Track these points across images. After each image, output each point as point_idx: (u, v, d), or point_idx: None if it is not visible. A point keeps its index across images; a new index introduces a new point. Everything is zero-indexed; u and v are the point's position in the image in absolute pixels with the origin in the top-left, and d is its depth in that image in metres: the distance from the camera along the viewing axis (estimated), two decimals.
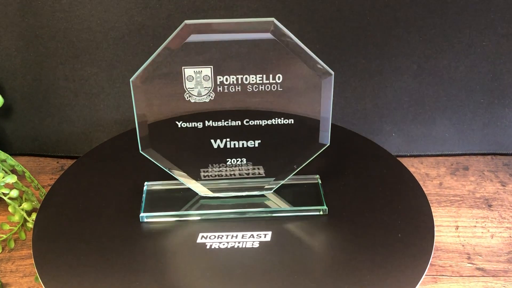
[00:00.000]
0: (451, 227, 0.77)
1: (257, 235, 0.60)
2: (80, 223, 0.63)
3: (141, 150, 0.60)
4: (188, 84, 0.57)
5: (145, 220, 0.62)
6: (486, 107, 0.87)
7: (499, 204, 0.81)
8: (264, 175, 0.63)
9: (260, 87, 0.57)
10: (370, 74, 0.84)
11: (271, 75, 0.56)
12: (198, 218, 0.63)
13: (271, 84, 0.57)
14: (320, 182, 0.67)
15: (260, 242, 0.60)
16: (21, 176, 0.83)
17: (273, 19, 0.54)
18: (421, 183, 0.84)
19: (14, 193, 0.73)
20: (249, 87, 0.57)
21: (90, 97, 0.85)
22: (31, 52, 0.82)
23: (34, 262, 0.58)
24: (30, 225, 0.75)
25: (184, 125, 0.59)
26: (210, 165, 0.62)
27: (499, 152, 0.91)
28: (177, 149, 0.61)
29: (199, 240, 0.60)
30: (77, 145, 0.89)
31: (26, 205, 0.75)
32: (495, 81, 0.85)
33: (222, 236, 0.60)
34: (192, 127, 0.59)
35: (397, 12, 0.79)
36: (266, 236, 0.60)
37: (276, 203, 0.64)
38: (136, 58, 0.82)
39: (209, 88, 0.57)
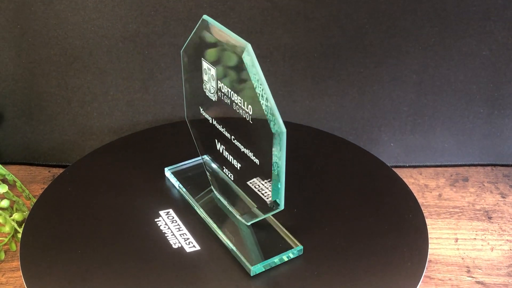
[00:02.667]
0: (450, 240, 0.77)
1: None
2: (69, 234, 0.62)
3: (186, 117, 0.64)
4: (204, 77, 0.58)
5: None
6: (486, 117, 0.87)
7: (499, 216, 0.81)
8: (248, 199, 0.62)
9: (240, 111, 0.56)
10: (369, 83, 0.85)
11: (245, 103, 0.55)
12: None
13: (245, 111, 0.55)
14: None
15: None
16: (12, 186, 0.83)
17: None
18: (420, 194, 0.84)
19: (4, 203, 0.73)
20: (234, 105, 0.56)
21: (83, 105, 0.85)
22: (23, 59, 0.82)
23: (22, 275, 0.58)
24: (21, 236, 0.73)
25: (203, 113, 0.61)
26: (216, 162, 0.63)
27: (499, 163, 0.91)
28: (199, 133, 0.64)
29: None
30: (69, 153, 0.89)
31: (17, 216, 0.74)
32: (495, 91, 0.85)
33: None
34: (205, 118, 0.61)
35: (396, 21, 0.80)
36: None
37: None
38: (130, 65, 0.82)
39: (215, 89, 0.57)
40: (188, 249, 0.60)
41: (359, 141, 0.85)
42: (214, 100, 0.58)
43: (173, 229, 0.63)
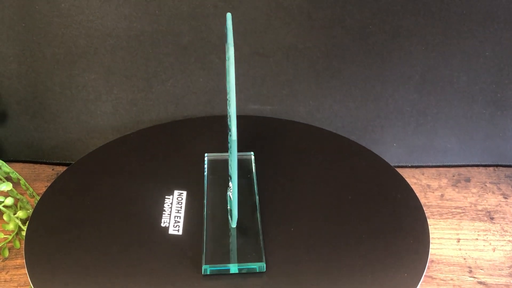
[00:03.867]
0: (452, 240, 0.77)
1: None
2: (73, 231, 0.63)
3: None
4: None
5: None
6: (489, 118, 0.87)
7: (501, 216, 0.81)
8: None
9: None
10: (372, 83, 0.84)
11: None
12: None
13: None
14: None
15: None
16: (16, 184, 0.83)
17: None
18: (422, 194, 0.84)
19: (9, 201, 0.74)
20: None
21: (86, 103, 0.85)
22: (27, 57, 0.82)
23: (26, 271, 0.58)
24: (25, 233, 0.73)
25: None
26: None
27: (501, 164, 0.91)
28: None
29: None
30: (73, 151, 0.89)
31: (21, 213, 0.75)
32: (498, 91, 0.85)
33: None
34: None
35: (400, 21, 0.80)
36: None
37: None
38: (134, 64, 0.82)
39: None
40: (171, 231, 0.62)
41: (362, 141, 0.85)
42: None
43: (173, 209, 0.65)
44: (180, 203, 0.66)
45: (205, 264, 0.57)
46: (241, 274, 0.58)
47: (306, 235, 0.63)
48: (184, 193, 0.68)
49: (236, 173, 0.55)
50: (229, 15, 0.52)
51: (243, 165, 0.71)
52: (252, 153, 0.73)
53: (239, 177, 0.68)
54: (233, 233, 0.61)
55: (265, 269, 0.58)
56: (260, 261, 0.58)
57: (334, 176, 0.72)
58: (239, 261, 0.58)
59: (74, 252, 0.60)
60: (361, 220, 0.65)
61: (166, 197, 0.67)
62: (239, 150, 0.67)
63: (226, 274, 0.58)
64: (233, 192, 0.57)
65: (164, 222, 0.63)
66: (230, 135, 0.51)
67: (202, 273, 0.57)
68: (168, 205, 0.65)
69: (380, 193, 0.69)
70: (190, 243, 0.61)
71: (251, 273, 0.58)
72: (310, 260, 0.60)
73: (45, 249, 0.61)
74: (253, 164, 0.71)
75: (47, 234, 0.63)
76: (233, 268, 0.58)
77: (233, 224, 0.60)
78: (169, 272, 0.58)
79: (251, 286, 0.57)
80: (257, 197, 0.66)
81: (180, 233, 0.63)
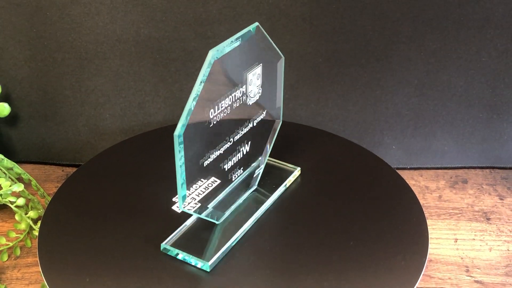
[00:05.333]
0: (450, 240, 0.77)
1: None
2: (84, 231, 0.63)
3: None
4: (249, 88, 0.60)
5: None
6: (485, 122, 0.87)
7: (497, 217, 0.81)
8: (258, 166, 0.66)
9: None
10: (372, 88, 0.85)
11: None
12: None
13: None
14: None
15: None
16: (27, 184, 0.83)
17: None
18: (420, 195, 0.84)
19: (20, 201, 0.74)
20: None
21: (95, 106, 0.86)
22: (38, 62, 0.82)
23: (40, 268, 0.58)
24: (36, 233, 0.75)
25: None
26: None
27: (497, 166, 0.91)
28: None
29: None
30: (82, 153, 0.89)
31: (32, 213, 0.75)
32: (494, 96, 0.85)
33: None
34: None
35: (399, 28, 0.80)
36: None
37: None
38: (141, 69, 0.83)
39: (258, 86, 0.61)
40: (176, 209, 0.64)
41: (362, 143, 0.84)
42: (253, 101, 0.61)
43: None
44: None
45: (164, 243, 0.59)
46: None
47: (306, 233, 0.63)
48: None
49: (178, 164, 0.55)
50: (210, 53, 0.52)
51: (279, 175, 0.70)
52: (299, 168, 0.71)
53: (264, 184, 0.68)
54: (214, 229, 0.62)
55: (209, 269, 0.58)
56: (204, 263, 0.58)
57: (333, 175, 0.71)
58: (189, 251, 0.59)
59: (85, 247, 0.60)
60: (360, 218, 0.65)
61: (173, 200, 0.66)
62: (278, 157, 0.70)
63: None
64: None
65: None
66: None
67: (161, 248, 0.60)
68: (176, 205, 0.65)
69: (381, 193, 0.69)
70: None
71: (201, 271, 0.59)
72: (308, 259, 0.60)
73: (58, 246, 0.61)
74: (298, 179, 0.70)
75: (59, 231, 0.63)
76: (180, 254, 0.59)
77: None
78: (178, 269, 0.58)
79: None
80: (261, 209, 0.65)
81: (179, 211, 0.63)
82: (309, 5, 0.78)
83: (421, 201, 0.82)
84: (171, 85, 0.84)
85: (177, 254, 0.59)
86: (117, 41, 0.80)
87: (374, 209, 0.66)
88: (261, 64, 0.60)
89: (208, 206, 0.60)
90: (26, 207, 0.78)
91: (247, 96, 0.60)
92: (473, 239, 0.77)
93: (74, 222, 0.65)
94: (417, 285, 0.57)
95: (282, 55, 0.63)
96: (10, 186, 0.73)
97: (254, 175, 0.67)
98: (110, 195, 0.68)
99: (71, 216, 0.65)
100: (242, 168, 0.64)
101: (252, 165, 0.66)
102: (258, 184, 0.67)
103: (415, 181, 0.88)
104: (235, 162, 0.62)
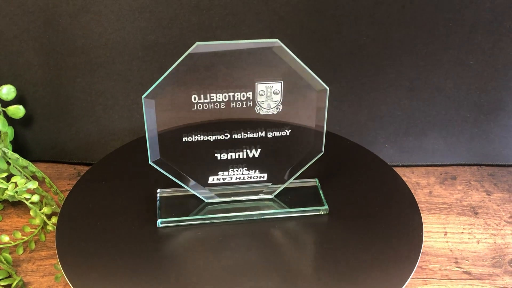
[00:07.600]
0: (440, 233, 0.78)
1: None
2: (98, 226, 0.65)
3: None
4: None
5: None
6: (473, 121, 0.88)
7: (484, 212, 0.82)
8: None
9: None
10: (366, 90, 0.85)
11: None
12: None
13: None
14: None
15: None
16: (41, 182, 0.84)
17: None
18: (412, 191, 0.83)
19: (35, 198, 0.75)
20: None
21: (105, 108, 0.86)
22: (51, 66, 0.83)
23: (58, 259, 0.61)
24: (49, 227, 0.77)
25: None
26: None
27: (484, 163, 0.91)
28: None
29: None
30: (92, 152, 0.89)
31: (46, 209, 0.77)
32: (481, 97, 0.86)
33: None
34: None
35: (393, 33, 0.80)
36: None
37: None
38: (148, 73, 0.83)
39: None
40: None
41: (357, 142, 0.83)
42: (275, 113, 0.62)
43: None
44: None
45: (160, 218, 0.64)
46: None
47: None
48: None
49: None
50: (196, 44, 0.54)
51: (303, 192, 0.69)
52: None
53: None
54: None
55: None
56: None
57: (331, 172, 0.72)
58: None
59: (100, 242, 0.63)
60: (357, 212, 0.67)
61: None
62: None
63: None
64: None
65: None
66: None
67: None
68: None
69: (377, 189, 0.70)
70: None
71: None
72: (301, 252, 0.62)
73: (76, 241, 0.63)
74: (320, 191, 0.69)
75: (75, 225, 0.65)
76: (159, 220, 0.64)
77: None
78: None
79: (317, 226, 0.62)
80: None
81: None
82: (307, 13, 0.79)
83: None
84: None
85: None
86: (125, 46, 0.81)
87: (369, 203, 0.68)
88: (281, 81, 0.59)
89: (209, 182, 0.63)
90: (40, 204, 0.79)
91: (257, 104, 0.60)
92: (461, 232, 0.78)
93: (89, 215, 0.66)
94: (411, 276, 0.58)
95: (326, 87, 0.59)
96: (25, 183, 0.74)
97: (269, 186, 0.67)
98: (120, 191, 0.70)
99: (85, 211, 0.67)
100: (247, 168, 0.65)
101: (264, 174, 0.66)
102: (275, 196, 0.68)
103: (407, 177, 0.88)
104: (234, 158, 0.64)
